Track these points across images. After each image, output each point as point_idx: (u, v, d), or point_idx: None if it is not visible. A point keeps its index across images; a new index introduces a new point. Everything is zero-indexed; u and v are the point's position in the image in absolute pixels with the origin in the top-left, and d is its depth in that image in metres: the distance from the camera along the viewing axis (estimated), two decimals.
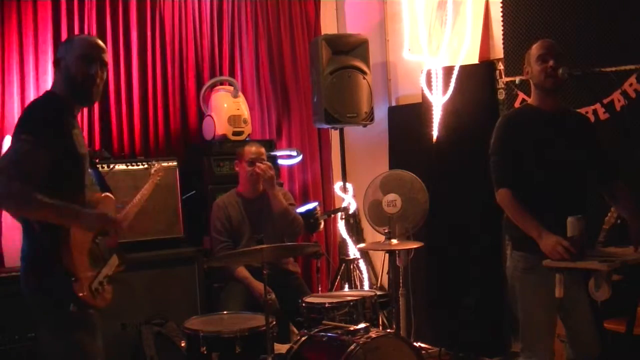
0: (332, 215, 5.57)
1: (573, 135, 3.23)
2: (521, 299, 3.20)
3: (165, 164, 4.65)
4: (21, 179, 2.50)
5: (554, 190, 3.13)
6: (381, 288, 5.34)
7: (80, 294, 2.64)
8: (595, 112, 4.16)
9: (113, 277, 2.87)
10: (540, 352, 3.16)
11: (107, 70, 2.88)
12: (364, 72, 5.18)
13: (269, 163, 4.45)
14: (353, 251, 5.37)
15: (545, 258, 2.96)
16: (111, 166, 4.43)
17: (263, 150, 4.52)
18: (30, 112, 2.74)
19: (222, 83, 5.28)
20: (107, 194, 2.99)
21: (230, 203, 4.48)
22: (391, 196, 4.54)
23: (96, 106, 4.84)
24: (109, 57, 4.91)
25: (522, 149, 3.15)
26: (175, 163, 4.73)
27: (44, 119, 2.65)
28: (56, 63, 2.81)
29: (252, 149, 4.47)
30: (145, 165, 4.59)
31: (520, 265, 3.18)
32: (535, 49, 3.25)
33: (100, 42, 2.87)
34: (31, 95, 4.57)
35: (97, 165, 3.30)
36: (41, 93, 4.38)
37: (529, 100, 3.36)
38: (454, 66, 4.98)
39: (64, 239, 2.64)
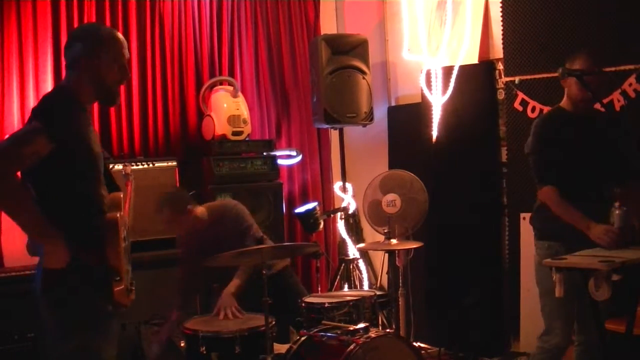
0: (332, 215, 5.57)
1: (601, 135, 3.35)
2: (542, 285, 3.34)
3: (164, 164, 4.67)
4: (12, 156, 2.42)
5: (583, 188, 3.27)
6: (381, 288, 5.34)
7: (117, 291, 2.54)
8: None
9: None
10: (556, 335, 3.30)
11: None
12: (363, 72, 5.18)
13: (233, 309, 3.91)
14: (352, 251, 5.38)
15: (566, 246, 3.12)
16: (110, 166, 4.42)
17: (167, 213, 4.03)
18: (48, 106, 2.59)
19: (221, 83, 5.28)
20: (119, 193, 2.81)
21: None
22: (391, 196, 4.54)
23: (95, 106, 4.83)
24: None
25: (556, 149, 3.29)
26: (174, 163, 4.74)
27: (60, 114, 2.53)
28: (79, 64, 2.62)
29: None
30: (145, 166, 4.59)
31: (543, 253, 3.33)
32: (581, 65, 3.28)
33: (122, 37, 2.73)
34: (31, 96, 4.57)
35: (108, 164, 3.11)
36: (41, 93, 4.42)
37: (562, 103, 3.46)
38: (453, 66, 4.98)
39: (112, 236, 2.54)
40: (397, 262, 4.46)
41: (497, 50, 4.78)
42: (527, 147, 3.43)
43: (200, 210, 4.08)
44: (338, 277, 5.14)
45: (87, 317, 2.55)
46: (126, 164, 3.48)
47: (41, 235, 2.54)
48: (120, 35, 2.72)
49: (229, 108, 5.07)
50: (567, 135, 3.31)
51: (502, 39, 4.66)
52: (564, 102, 3.43)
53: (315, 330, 3.52)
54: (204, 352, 3.40)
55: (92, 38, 2.65)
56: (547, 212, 3.32)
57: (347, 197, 5.48)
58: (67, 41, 2.70)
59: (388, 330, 4.32)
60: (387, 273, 4.65)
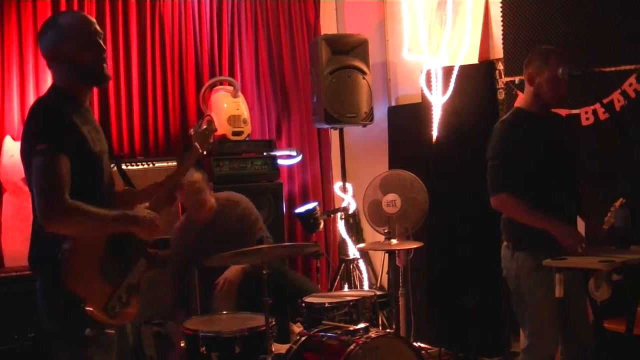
0: (332, 215, 5.57)
1: (565, 137, 3.31)
2: (530, 297, 3.21)
3: (164, 164, 4.66)
4: (60, 192, 2.36)
5: (554, 192, 3.18)
6: (381, 288, 5.34)
7: (91, 314, 2.40)
8: (595, 112, 4.16)
9: (138, 286, 2.64)
10: (546, 349, 3.19)
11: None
12: (363, 72, 5.18)
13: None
14: (353, 251, 5.38)
15: (549, 254, 2.99)
16: (111, 166, 4.42)
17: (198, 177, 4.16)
18: (37, 118, 2.50)
19: (221, 83, 5.28)
20: (128, 188, 2.79)
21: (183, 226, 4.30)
22: (391, 196, 4.55)
23: (96, 106, 4.85)
24: (108, 57, 4.96)
25: (523, 153, 3.17)
26: (174, 163, 4.73)
27: (52, 123, 2.44)
28: (51, 57, 2.55)
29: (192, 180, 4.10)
30: (146, 166, 4.59)
31: (527, 264, 3.19)
32: (553, 66, 3.17)
33: (86, 15, 2.64)
34: (31, 95, 4.57)
35: (121, 162, 3.06)
36: (41, 93, 4.40)
37: (521, 104, 3.36)
38: (453, 66, 4.98)
39: (67, 255, 2.39)
40: (397, 262, 4.46)
41: (497, 50, 4.78)
42: (488, 153, 3.27)
43: (212, 200, 4.17)
44: (338, 277, 5.14)
45: (77, 329, 2.45)
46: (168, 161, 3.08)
47: (115, 230, 2.52)
48: (83, 15, 2.64)
49: (229, 108, 5.07)
50: (534, 138, 3.19)
51: (502, 39, 4.66)
52: (525, 103, 3.30)
53: (316, 330, 3.52)
54: (204, 352, 3.40)
55: (52, 29, 2.56)
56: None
57: (347, 197, 5.48)
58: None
59: (388, 330, 4.33)
60: (387, 273, 4.65)
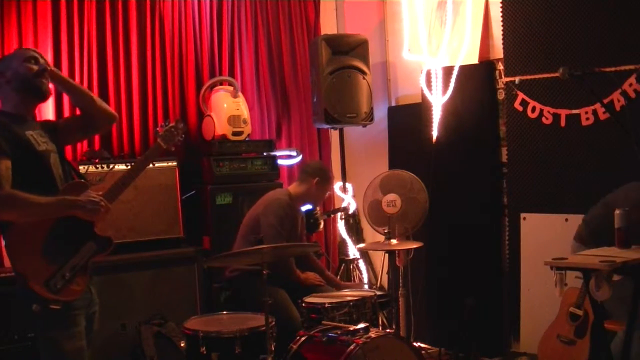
0: (332, 215, 5.57)
1: None
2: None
3: (164, 164, 4.67)
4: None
5: None
6: (381, 288, 5.34)
7: (34, 289, 2.69)
8: (595, 112, 4.17)
9: (85, 266, 2.84)
10: None
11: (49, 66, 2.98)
12: (363, 72, 5.19)
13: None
14: (353, 251, 5.38)
15: None
16: (111, 166, 4.42)
17: None
18: None
19: (221, 83, 5.27)
20: (78, 180, 3.00)
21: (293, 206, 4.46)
22: (391, 196, 4.55)
23: None
24: (109, 57, 4.93)
25: None
26: (174, 163, 4.73)
27: None
28: (2, 75, 2.87)
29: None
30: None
31: None
32: None
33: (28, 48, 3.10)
34: None
35: (71, 161, 3.38)
36: None
37: None
38: (453, 66, 4.98)
39: (10, 239, 2.72)
40: (397, 262, 4.47)
41: (497, 50, 4.78)
42: None
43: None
44: (338, 277, 5.14)
45: (42, 314, 2.73)
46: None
47: (55, 213, 2.77)
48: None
49: (229, 108, 5.07)
50: None
51: (502, 39, 4.66)
52: None
53: (316, 330, 3.52)
54: (204, 352, 3.40)
55: (5, 57, 3.02)
56: None
57: (347, 197, 5.48)
58: None
59: (388, 330, 4.33)
60: (387, 273, 4.66)
